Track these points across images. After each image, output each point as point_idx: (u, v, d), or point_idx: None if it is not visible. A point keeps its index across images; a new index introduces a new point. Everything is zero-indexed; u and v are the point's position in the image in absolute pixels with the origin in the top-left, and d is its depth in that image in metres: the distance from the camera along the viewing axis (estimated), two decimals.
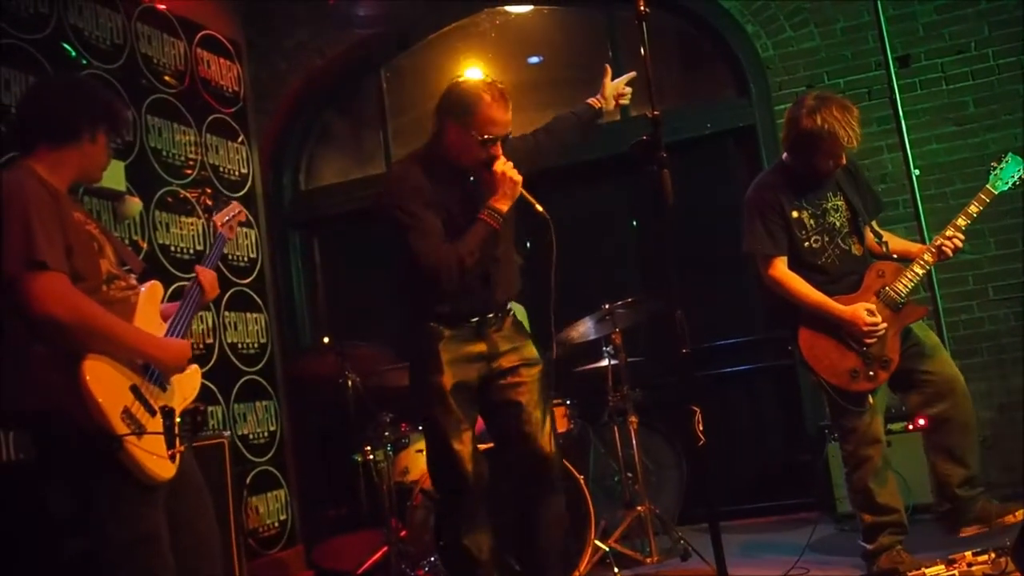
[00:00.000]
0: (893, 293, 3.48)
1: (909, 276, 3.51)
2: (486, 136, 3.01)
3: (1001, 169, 3.62)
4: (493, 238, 3.06)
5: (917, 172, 5.14)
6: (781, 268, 3.55)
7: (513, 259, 3.27)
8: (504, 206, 3.03)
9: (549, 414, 3.18)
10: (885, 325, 3.45)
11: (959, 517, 3.56)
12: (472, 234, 3.01)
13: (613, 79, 3.65)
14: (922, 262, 3.52)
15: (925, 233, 4.94)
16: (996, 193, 3.58)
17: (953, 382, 3.56)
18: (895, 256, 3.66)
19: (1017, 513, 3.50)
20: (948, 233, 3.51)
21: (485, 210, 3.03)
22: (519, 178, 3.05)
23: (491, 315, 3.15)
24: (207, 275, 2.81)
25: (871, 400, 3.46)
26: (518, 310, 5.04)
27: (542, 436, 3.10)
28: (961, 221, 3.52)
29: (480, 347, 3.12)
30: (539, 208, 3.07)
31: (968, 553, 3.12)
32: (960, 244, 3.52)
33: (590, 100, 3.60)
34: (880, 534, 3.50)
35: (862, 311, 3.44)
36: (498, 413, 3.16)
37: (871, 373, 3.45)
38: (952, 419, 3.55)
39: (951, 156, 5.15)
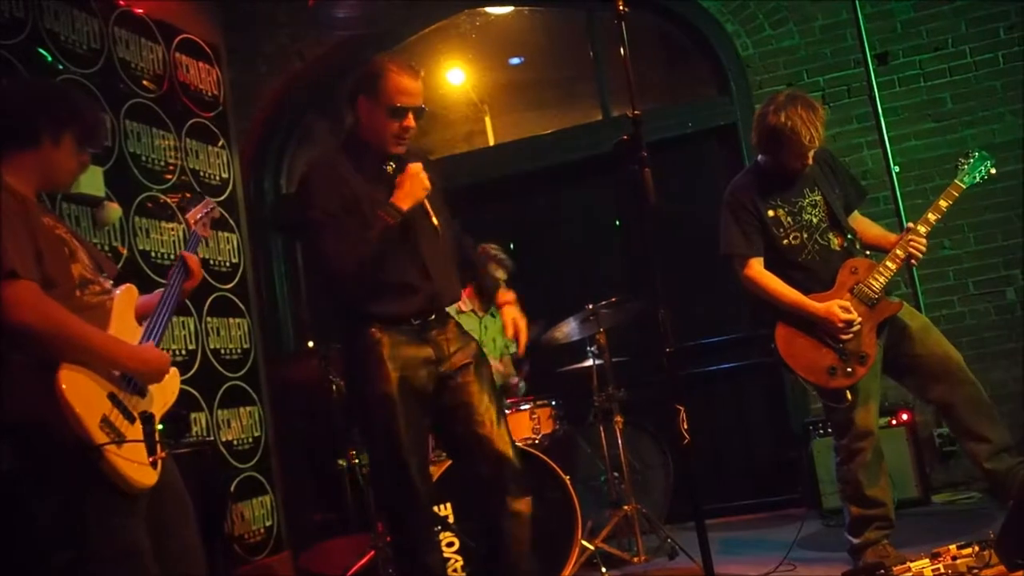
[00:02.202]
0: (867, 290, 3.49)
1: (882, 272, 3.51)
2: (396, 104, 2.93)
3: (969, 164, 3.65)
4: (411, 233, 2.95)
5: (896, 168, 5.19)
6: (756, 268, 3.58)
7: (452, 261, 3.14)
8: (405, 205, 2.90)
9: (502, 415, 3.05)
10: (860, 321, 3.47)
11: (1001, 491, 3.52)
12: (375, 227, 2.89)
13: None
14: (894, 256, 3.53)
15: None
16: (964, 187, 3.60)
17: (945, 361, 3.54)
18: (867, 253, 3.69)
19: None
20: (919, 229, 3.52)
21: (385, 208, 2.91)
22: (427, 184, 2.94)
23: (433, 317, 3.02)
24: (193, 258, 2.78)
25: (849, 396, 3.47)
26: (493, 323, 5.05)
27: (497, 437, 2.98)
28: (932, 216, 3.54)
29: (426, 351, 2.98)
30: (435, 221, 3.00)
31: (953, 547, 3.13)
32: (923, 248, 3.53)
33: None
34: (867, 528, 3.52)
35: (836, 308, 3.46)
36: (449, 417, 3.03)
37: (848, 369, 3.46)
38: (954, 402, 3.52)
39: (930, 152, 5.19)
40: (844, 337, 3.46)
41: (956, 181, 3.60)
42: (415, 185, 2.93)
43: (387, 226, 2.88)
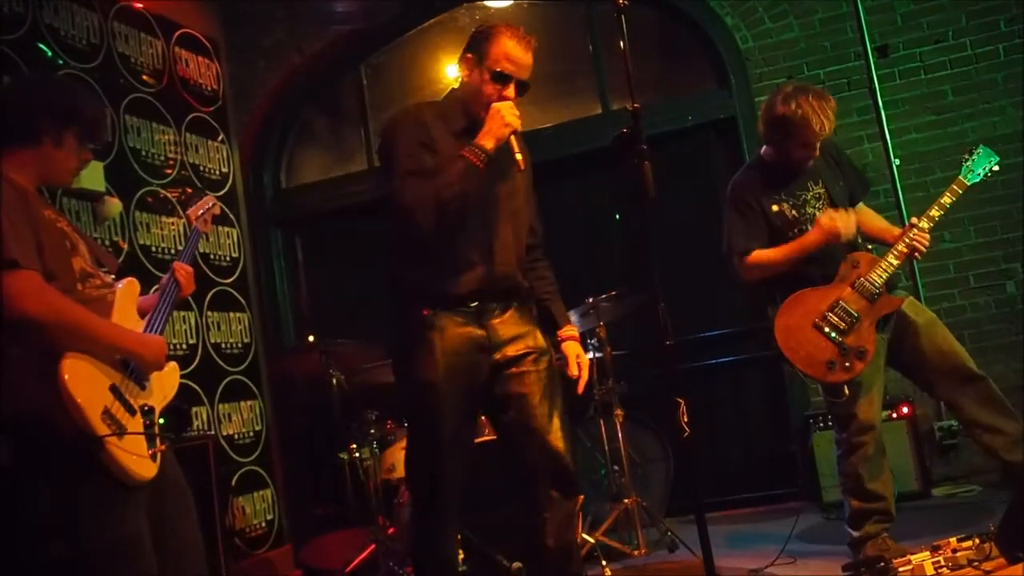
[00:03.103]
0: (868, 284, 3.47)
1: (883, 267, 3.49)
2: (498, 69, 2.79)
3: (972, 161, 3.63)
4: (483, 188, 2.78)
5: (897, 162, 5.18)
6: (756, 255, 3.57)
7: (519, 244, 2.95)
8: (488, 144, 2.73)
9: (557, 410, 2.86)
10: (854, 219, 3.46)
11: (1021, 482, 3.46)
12: (451, 168, 2.72)
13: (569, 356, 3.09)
14: (896, 253, 3.50)
15: (906, 221, 4.97)
16: (968, 185, 3.58)
17: (951, 357, 3.52)
18: (870, 247, 3.68)
19: None
20: (922, 225, 3.50)
21: (468, 146, 2.74)
22: (516, 122, 2.76)
23: (492, 302, 2.85)
24: (184, 270, 2.79)
25: (847, 391, 3.47)
26: None
27: (551, 432, 2.81)
28: (934, 212, 3.52)
29: (479, 335, 2.81)
30: (518, 156, 2.81)
31: (953, 539, 3.15)
32: (926, 243, 3.51)
33: (559, 332, 3.09)
34: (866, 521, 3.52)
35: (824, 219, 3.44)
36: (501, 407, 2.86)
37: (847, 364, 3.44)
38: (962, 400, 3.51)
39: (931, 145, 5.18)
40: (845, 238, 3.44)
41: (960, 178, 3.58)
42: (496, 122, 2.75)
43: (469, 165, 2.71)
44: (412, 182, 2.74)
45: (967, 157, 3.64)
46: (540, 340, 2.93)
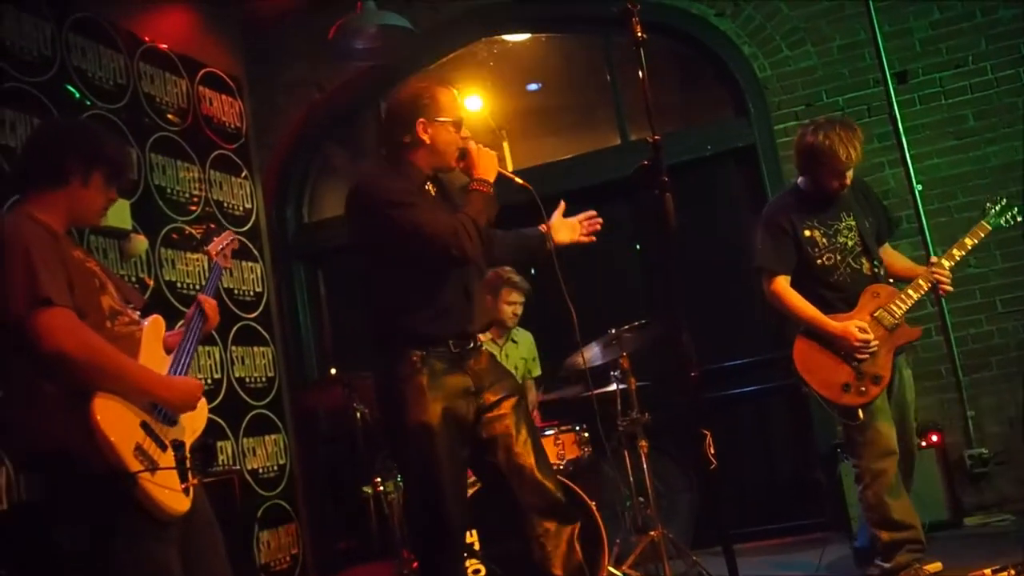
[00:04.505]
0: (887, 315, 3.59)
1: (903, 299, 3.62)
2: (460, 117, 3.00)
3: (996, 209, 3.75)
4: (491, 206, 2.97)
5: (919, 187, 5.16)
6: (782, 284, 3.68)
7: (484, 297, 3.16)
8: (490, 176, 2.98)
9: (540, 448, 2.99)
10: (877, 343, 3.55)
11: None
12: (470, 203, 2.92)
13: (571, 220, 3.34)
14: (917, 286, 3.63)
15: (931, 247, 4.96)
16: (990, 229, 3.70)
17: (903, 411, 3.68)
18: (891, 280, 3.76)
19: None
20: (945, 263, 3.62)
21: (473, 182, 2.97)
22: (493, 153, 3.02)
23: (470, 345, 2.98)
24: (210, 302, 2.83)
25: (861, 415, 3.52)
26: (524, 337, 5.07)
27: (538, 469, 2.91)
28: (956, 251, 3.65)
29: (466, 381, 2.93)
30: (519, 181, 3.06)
31: (987, 570, 3.10)
32: (948, 279, 3.63)
33: (541, 225, 3.27)
34: (897, 552, 3.49)
35: (853, 328, 3.54)
36: (487, 449, 2.94)
37: (862, 388, 3.54)
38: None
39: (953, 170, 5.16)
40: (860, 356, 3.54)
41: (983, 222, 3.71)
42: (484, 157, 2.99)
43: (486, 195, 2.93)
44: (433, 215, 2.86)
45: (990, 205, 3.77)
46: (513, 381, 3.08)
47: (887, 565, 3.51)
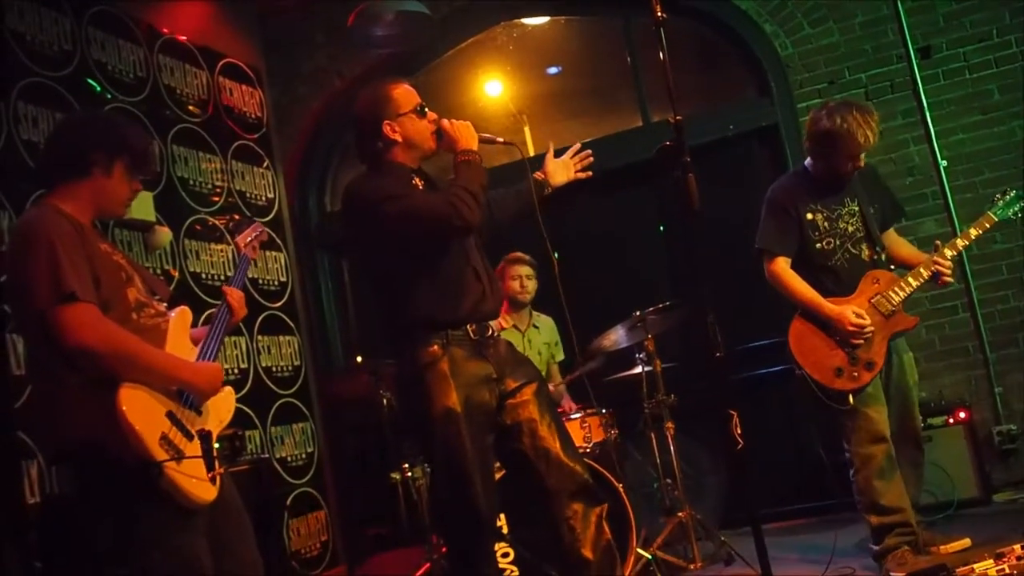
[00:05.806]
0: (886, 301, 3.60)
1: (902, 286, 3.63)
2: (418, 106, 3.04)
3: (1004, 201, 3.73)
4: (482, 176, 2.98)
5: (944, 163, 5.10)
6: (781, 265, 3.72)
7: (494, 275, 3.14)
8: (472, 145, 3.00)
9: (565, 432, 3.00)
10: (872, 328, 3.55)
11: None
12: (458, 174, 2.94)
13: (562, 159, 3.35)
14: (917, 274, 3.63)
15: (956, 223, 4.91)
16: (996, 220, 3.69)
17: (906, 393, 3.71)
18: (893, 267, 3.77)
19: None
20: (947, 253, 3.62)
21: (458, 155, 2.98)
22: (467, 122, 3.03)
23: (488, 333, 2.98)
24: (235, 295, 2.84)
25: (851, 400, 3.53)
26: (545, 323, 5.08)
27: (563, 451, 2.92)
28: (960, 242, 3.65)
29: (487, 368, 2.94)
30: (501, 140, 3.11)
31: (1017, 547, 3.08)
32: (949, 269, 3.62)
33: (535, 174, 3.28)
34: (887, 535, 3.55)
35: (849, 312, 3.55)
36: (511, 435, 2.95)
37: (855, 373, 3.55)
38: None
39: (978, 145, 5.10)
40: (855, 341, 3.55)
41: (989, 213, 3.70)
42: (460, 128, 3.01)
43: (476, 164, 2.95)
44: (428, 198, 2.92)
45: (999, 197, 3.75)
46: (532, 368, 3.10)
47: (876, 548, 3.58)
